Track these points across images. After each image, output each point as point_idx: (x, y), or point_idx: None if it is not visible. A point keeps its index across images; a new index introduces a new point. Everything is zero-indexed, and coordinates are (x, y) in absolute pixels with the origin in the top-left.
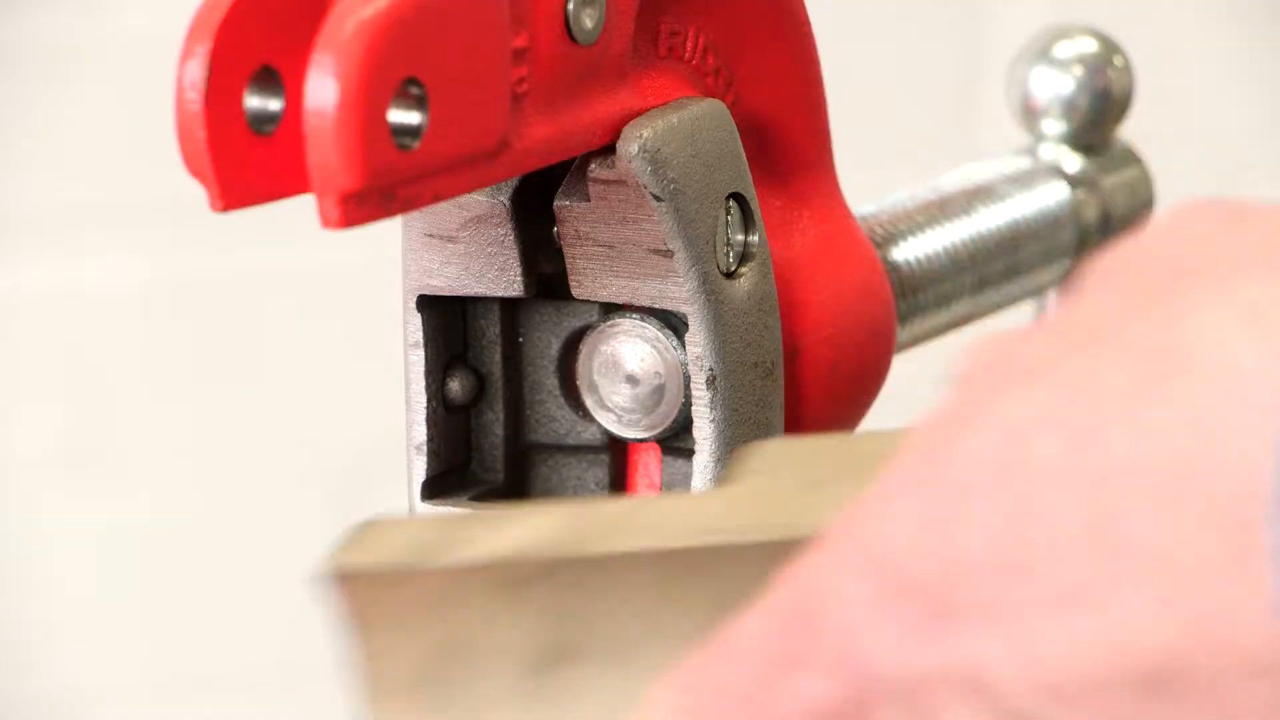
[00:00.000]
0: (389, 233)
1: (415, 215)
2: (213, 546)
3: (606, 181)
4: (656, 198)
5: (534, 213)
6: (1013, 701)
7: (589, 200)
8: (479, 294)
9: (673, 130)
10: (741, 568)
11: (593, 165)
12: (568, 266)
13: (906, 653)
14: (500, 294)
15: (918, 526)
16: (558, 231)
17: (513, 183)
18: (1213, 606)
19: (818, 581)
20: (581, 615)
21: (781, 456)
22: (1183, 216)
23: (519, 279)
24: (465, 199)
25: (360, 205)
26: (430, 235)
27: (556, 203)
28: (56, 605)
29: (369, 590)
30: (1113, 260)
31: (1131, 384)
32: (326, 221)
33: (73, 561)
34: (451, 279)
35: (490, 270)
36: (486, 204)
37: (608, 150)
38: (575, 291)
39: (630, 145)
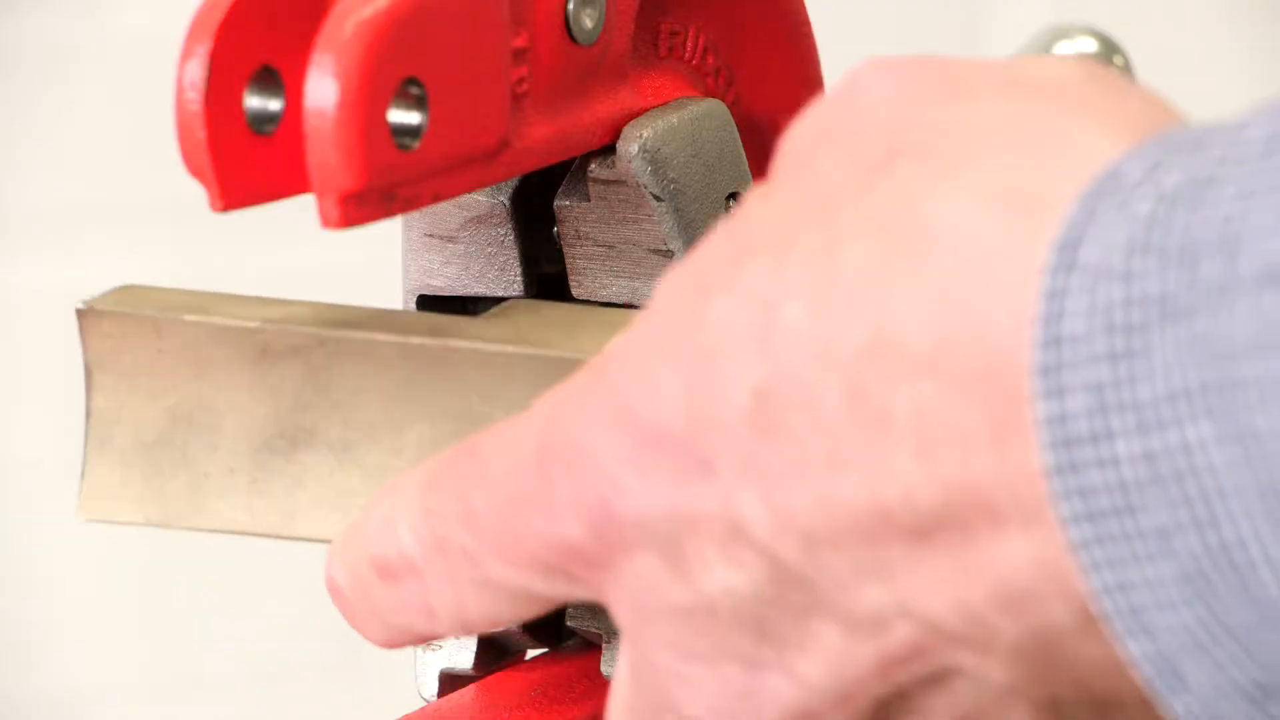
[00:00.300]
0: (389, 233)
1: (415, 215)
2: (212, 546)
3: (607, 181)
4: (657, 198)
5: (534, 213)
6: (771, 548)
7: (589, 200)
8: (479, 294)
9: (673, 130)
10: (485, 377)
11: (593, 165)
12: (568, 267)
13: (659, 502)
14: (500, 294)
15: (673, 386)
16: (558, 232)
17: (513, 183)
18: (978, 471)
19: (572, 430)
20: (322, 402)
21: (537, 309)
22: (882, 77)
23: (519, 279)
24: (465, 199)
25: (360, 205)
26: (430, 235)
27: (557, 203)
28: (56, 605)
29: (116, 334)
30: (819, 121)
31: (872, 261)
32: (326, 221)
33: (73, 561)
34: (451, 279)
35: (490, 270)
36: (486, 204)
37: (608, 150)
38: (575, 291)
39: (630, 145)
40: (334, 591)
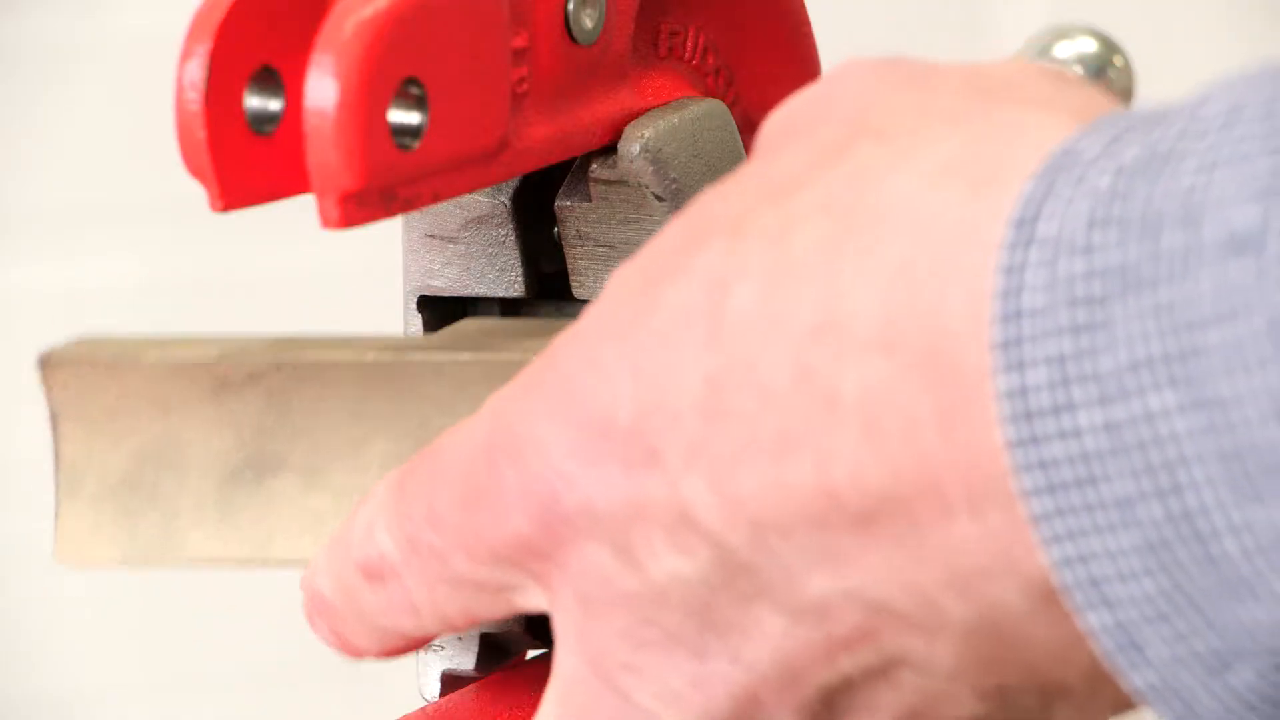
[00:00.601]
0: (389, 233)
1: (416, 215)
2: None
3: (608, 182)
4: (658, 198)
5: (535, 213)
6: (719, 535)
7: (590, 200)
8: (480, 294)
9: (674, 130)
10: (440, 388)
11: (594, 165)
12: (569, 267)
13: (607, 491)
14: (501, 294)
15: (622, 372)
16: (558, 232)
17: (513, 183)
18: (926, 452)
19: (519, 423)
20: (284, 428)
21: (487, 322)
22: (853, 73)
23: (520, 279)
24: (466, 199)
25: (360, 205)
26: (431, 235)
27: (558, 203)
28: (56, 605)
29: (77, 383)
30: (789, 115)
31: (826, 239)
32: (326, 221)
33: None
34: (452, 279)
35: (491, 270)
36: (487, 204)
37: (609, 150)
38: (577, 292)
39: (632, 145)
40: (318, 603)
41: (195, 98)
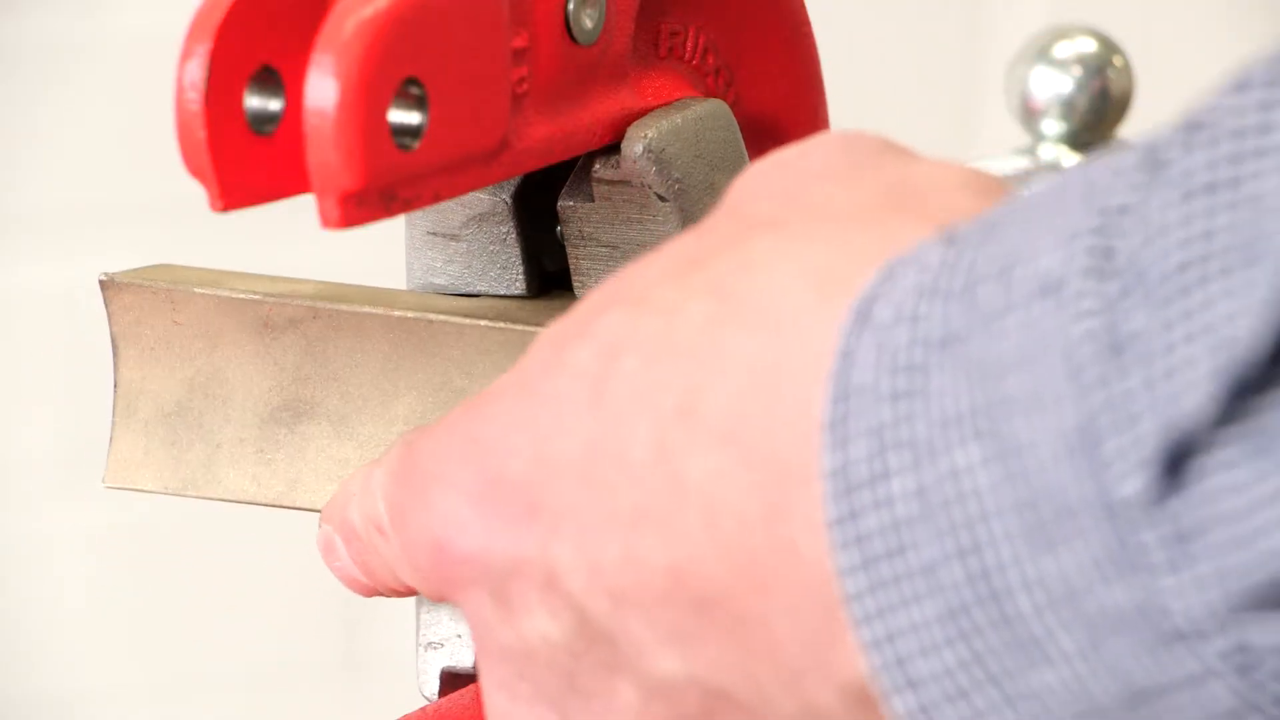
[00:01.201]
0: (390, 231)
1: (418, 213)
2: (212, 546)
3: (611, 182)
4: (661, 198)
5: (537, 211)
6: (581, 601)
7: (593, 200)
8: (481, 292)
9: (677, 130)
10: (462, 350)
11: (597, 165)
12: (572, 267)
13: (490, 542)
14: (503, 292)
15: (518, 427)
16: (561, 231)
17: (515, 181)
18: (753, 549)
19: (435, 460)
20: (320, 374)
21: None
22: (816, 151)
23: (521, 278)
24: (468, 197)
25: (360, 205)
26: (433, 233)
27: (561, 203)
28: (56, 605)
29: (138, 307)
30: (750, 180)
31: (705, 321)
32: (326, 221)
33: (73, 561)
34: (454, 277)
35: (493, 269)
36: (489, 202)
37: (612, 150)
38: (579, 293)
39: (635, 145)
40: (348, 532)
41: (195, 98)
